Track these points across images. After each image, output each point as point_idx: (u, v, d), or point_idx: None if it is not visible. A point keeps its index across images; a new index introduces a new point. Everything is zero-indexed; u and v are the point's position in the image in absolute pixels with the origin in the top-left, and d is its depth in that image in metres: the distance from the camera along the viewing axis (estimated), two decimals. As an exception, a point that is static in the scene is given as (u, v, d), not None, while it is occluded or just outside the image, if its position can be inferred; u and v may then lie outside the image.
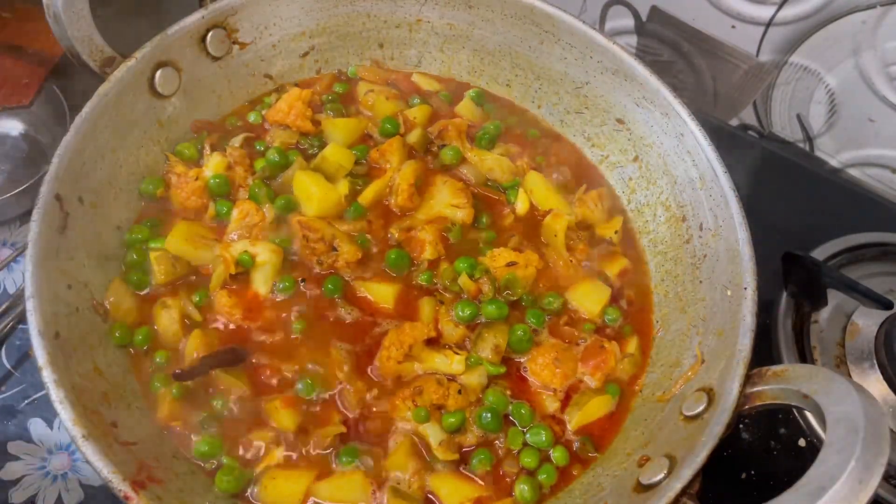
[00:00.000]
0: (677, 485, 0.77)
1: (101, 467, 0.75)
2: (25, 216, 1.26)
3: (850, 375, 1.13)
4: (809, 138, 1.57)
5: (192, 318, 0.98)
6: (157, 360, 0.95)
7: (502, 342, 0.99)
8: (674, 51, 1.62)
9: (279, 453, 0.90)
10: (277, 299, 1.01)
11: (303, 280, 1.02)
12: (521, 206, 1.15)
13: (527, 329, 1.01)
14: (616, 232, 1.15)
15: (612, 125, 1.21)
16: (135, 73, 1.04)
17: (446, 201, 1.11)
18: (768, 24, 1.45)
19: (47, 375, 0.79)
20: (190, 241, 1.02)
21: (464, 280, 1.03)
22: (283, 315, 1.00)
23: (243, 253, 1.00)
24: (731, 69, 1.57)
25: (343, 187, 1.10)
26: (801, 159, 1.53)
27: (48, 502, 1.04)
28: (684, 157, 1.09)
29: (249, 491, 0.88)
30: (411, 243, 1.07)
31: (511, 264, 1.04)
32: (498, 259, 1.05)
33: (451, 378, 0.96)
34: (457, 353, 0.97)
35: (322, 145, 1.15)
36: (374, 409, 0.94)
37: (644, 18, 1.61)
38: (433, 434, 0.92)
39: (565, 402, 0.99)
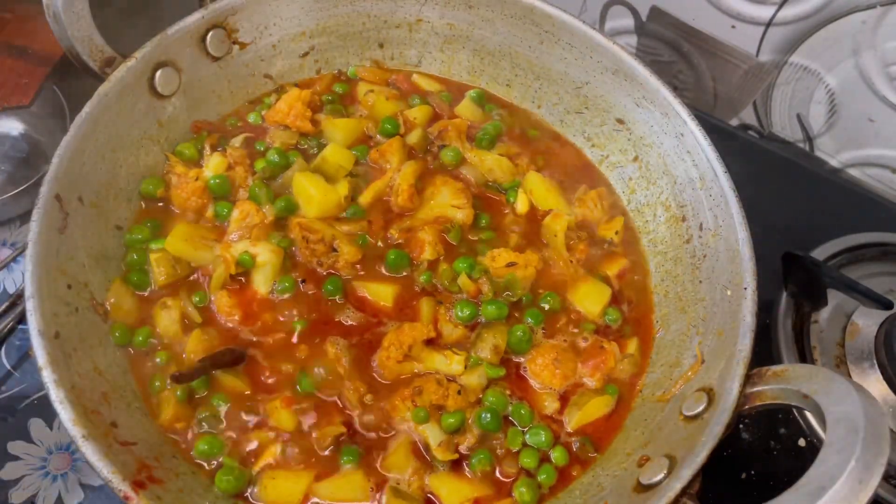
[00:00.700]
0: (677, 485, 0.77)
1: (101, 467, 0.75)
2: (25, 216, 1.26)
3: (850, 375, 1.13)
4: (809, 138, 1.57)
5: (192, 318, 0.98)
6: (158, 360, 0.95)
7: (501, 342, 0.99)
8: (674, 51, 1.62)
9: (279, 453, 0.90)
10: (277, 300, 1.01)
11: (303, 280, 1.02)
12: (521, 206, 1.15)
13: (526, 329, 1.01)
14: (617, 232, 1.15)
15: (612, 125, 1.21)
16: (135, 73, 1.04)
17: (446, 202, 1.11)
18: (768, 24, 1.45)
19: (47, 375, 0.79)
20: (190, 241, 1.02)
21: (463, 280, 1.03)
22: (284, 315, 1.00)
23: (244, 253, 1.00)
24: (731, 69, 1.57)
25: (343, 188, 1.10)
26: (801, 159, 1.53)
27: (48, 502, 1.04)
28: (684, 157, 1.09)
29: (249, 491, 0.88)
30: (411, 244, 1.07)
31: (511, 265, 1.04)
32: (498, 259, 1.05)
33: (451, 378, 0.96)
34: (456, 354, 0.97)
35: (322, 146, 1.15)
36: (374, 410, 0.94)
37: (644, 18, 1.61)
38: (433, 434, 0.92)
39: (565, 402, 0.99)
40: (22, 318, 1.16)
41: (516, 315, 1.04)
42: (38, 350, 0.81)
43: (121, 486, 0.75)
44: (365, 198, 1.11)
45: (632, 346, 1.04)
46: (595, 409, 0.98)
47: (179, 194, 1.07)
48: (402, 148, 1.16)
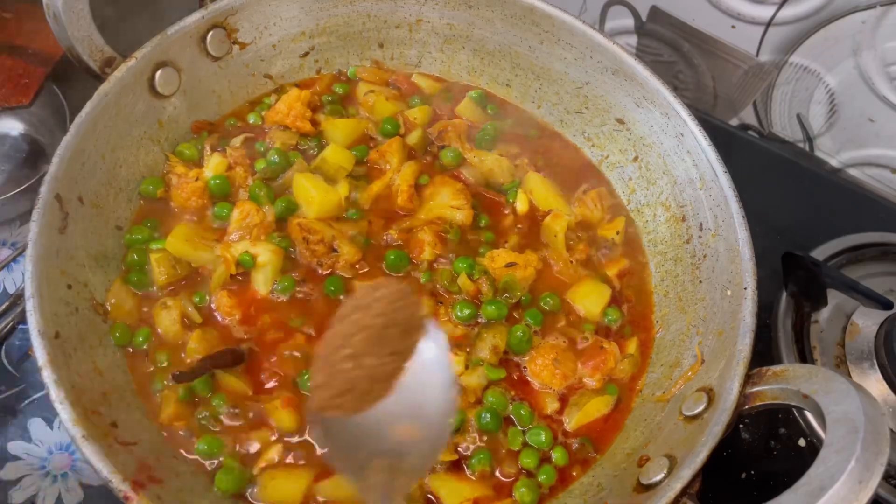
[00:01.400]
0: (677, 485, 0.77)
1: (101, 467, 0.75)
2: (25, 216, 1.26)
3: (850, 375, 1.13)
4: (809, 138, 1.57)
5: (192, 318, 0.98)
6: (158, 360, 0.95)
7: (501, 343, 0.99)
8: (674, 51, 1.62)
9: (279, 453, 0.90)
10: (278, 300, 1.01)
11: (303, 280, 1.02)
12: (521, 206, 1.15)
13: (526, 330, 1.01)
14: (618, 232, 1.15)
15: (612, 125, 1.21)
16: (135, 73, 1.04)
17: (446, 202, 1.11)
18: (768, 24, 1.45)
19: (47, 375, 0.79)
20: (190, 241, 1.02)
21: (463, 280, 1.03)
22: (284, 315, 1.00)
23: (244, 253, 1.00)
24: (731, 69, 1.57)
25: (343, 189, 1.10)
26: (801, 159, 1.53)
27: (48, 502, 1.04)
28: (684, 157, 1.09)
29: (249, 491, 0.88)
30: (411, 244, 1.07)
31: (510, 265, 1.04)
32: (497, 260, 1.05)
33: (451, 378, 0.96)
34: (456, 354, 0.97)
35: (322, 146, 1.15)
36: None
37: (644, 18, 1.61)
38: (433, 434, 0.92)
39: (564, 402, 0.99)
40: (22, 318, 1.16)
41: (516, 315, 1.04)
42: (38, 350, 0.81)
43: (121, 486, 0.75)
44: (365, 198, 1.11)
45: (632, 346, 1.04)
46: (595, 409, 0.98)
47: (179, 194, 1.07)
48: (402, 148, 1.16)
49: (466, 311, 1.01)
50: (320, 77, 1.29)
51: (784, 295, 1.21)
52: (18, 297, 1.18)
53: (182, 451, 0.89)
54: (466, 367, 0.97)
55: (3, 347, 1.15)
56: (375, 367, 0.67)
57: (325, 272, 1.04)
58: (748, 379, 0.83)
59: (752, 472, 1.10)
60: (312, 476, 0.89)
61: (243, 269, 1.01)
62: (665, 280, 1.11)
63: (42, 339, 0.81)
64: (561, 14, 1.17)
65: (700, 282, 1.03)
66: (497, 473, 0.93)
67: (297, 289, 1.01)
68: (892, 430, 0.95)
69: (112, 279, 0.99)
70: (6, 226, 1.27)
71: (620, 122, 1.20)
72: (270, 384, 0.95)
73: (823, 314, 1.21)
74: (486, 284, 1.03)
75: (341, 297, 1.02)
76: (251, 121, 1.20)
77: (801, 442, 1.13)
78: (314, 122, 1.18)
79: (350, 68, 1.30)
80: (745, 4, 1.45)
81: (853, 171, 1.56)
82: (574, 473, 0.94)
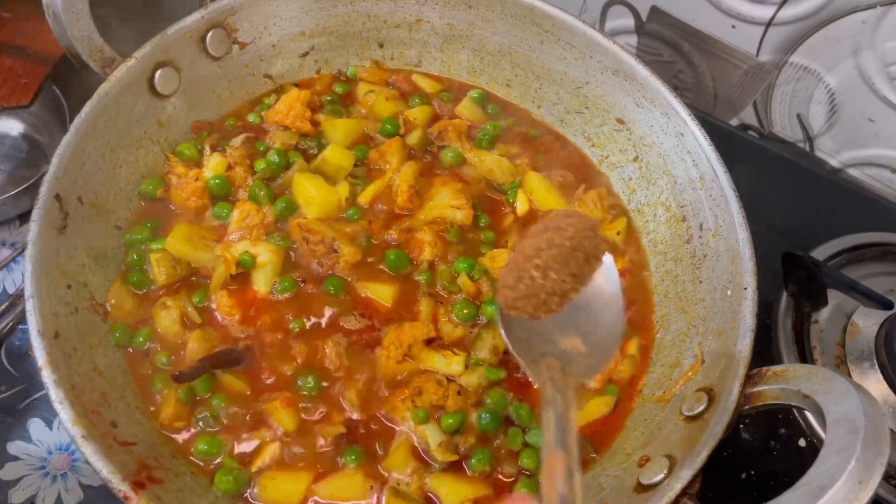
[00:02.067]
0: (677, 485, 0.77)
1: (100, 467, 0.75)
2: (25, 216, 1.26)
3: (850, 375, 1.13)
4: (809, 138, 1.57)
5: (192, 318, 0.98)
6: (158, 360, 0.95)
7: (501, 343, 0.99)
8: (674, 51, 1.62)
9: (278, 453, 0.90)
10: (277, 300, 1.01)
11: (303, 281, 1.02)
12: (521, 206, 1.15)
13: (527, 329, 1.01)
14: (619, 232, 1.15)
15: (612, 125, 1.21)
16: (135, 73, 1.04)
17: (446, 202, 1.11)
18: (768, 24, 1.45)
19: (47, 375, 0.79)
20: (190, 242, 1.02)
21: (463, 280, 1.03)
22: (284, 315, 1.00)
23: (244, 254, 1.00)
24: (731, 69, 1.57)
25: (343, 189, 1.10)
26: (801, 159, 1.53)
27: (48, 502, 1.04)
28: (684, 157, 1.09)
29: (249, 491, 0.88)
30: (411, 244, 1.07)
31: (511, 264, 1.04)
32: (497, 260, 1.04)
33: (451, 379, 0.96)
34: (456, 354, 0.97)
35: (322, 146, 1.15)
36: (374, 410, 0.94)
37: (644, 18, 1.61)
38: (432, 435, 0.92)
39: (565, 402, 0.99)
40: (22, 319, 1.16)
41: (516, 315, 1.04)
42: (38, 350, 0.81)
43: (120, 486, 0.75)
44: (365, 198, 1.11)
45: (632, 346, 1.04)
46: (595, 409, 0.98)
47: (179, 194, 1.07)
48: (402, 148, 1.16)
49: (466, 311, 1.01)
50: (320, 77, 1.29)
51: (784, 295, 1.21)
52: (18, 297, 1.18)
53: (182, 451, 0.89)
54: (466, 368, 0.97)
55: (3, 347, 1.15)
56: (556, 282, 0.73)
57: (324, 272, 1.03)
58: (748, 379, 0.83)
59: (752, 472, 1.10)
60: (312, 476, 0.89)
61: (243, 269, 1.01)
62: (665, 280, 1.11)
63: (42, 340, 0.81)
64: (561, 14, 1.17)
65: (700, 282, 1.03)
66: (497, 473, 0.93)
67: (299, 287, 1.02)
68: (892, 430, 0.95)
69: (112, 279, 1.00)
70: (6, 226, 1.27)
71: (620, 121, 1.20)
72: (270, 384, 0.95)
73: (823, 314, 1.21)
74: (486, 284, 1.03)
75: (341, 296, 1.02)
76: (251, 121, 1.20)
77: (801, 442, 1.13)
78: (314, 122, 1.18)
79: (350, 68, 1.30)
80: (745, 4, 1.45)
81: (853, 171, 1.56)
82: (574, 473, 0.94)
